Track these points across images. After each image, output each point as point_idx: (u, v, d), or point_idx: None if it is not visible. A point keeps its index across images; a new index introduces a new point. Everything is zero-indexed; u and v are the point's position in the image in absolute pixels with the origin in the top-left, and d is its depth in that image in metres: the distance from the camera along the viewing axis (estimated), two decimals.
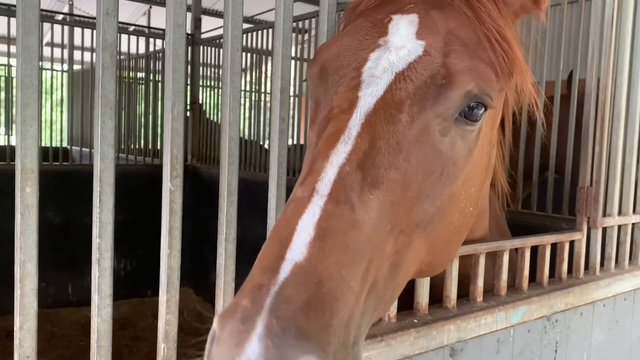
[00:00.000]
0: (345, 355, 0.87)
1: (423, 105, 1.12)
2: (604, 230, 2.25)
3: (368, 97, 1.10)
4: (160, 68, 7.20)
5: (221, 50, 7.22)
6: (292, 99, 6.18)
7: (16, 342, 1.03)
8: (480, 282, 1.78)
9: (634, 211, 2.38)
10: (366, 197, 0.99)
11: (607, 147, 2.16)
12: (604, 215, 2.20)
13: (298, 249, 0.89)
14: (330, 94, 1.18)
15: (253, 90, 6.85)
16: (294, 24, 6.12)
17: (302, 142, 5.99)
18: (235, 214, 1.28)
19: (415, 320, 1.59)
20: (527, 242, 1.92)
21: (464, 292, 1.77)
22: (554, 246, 2.08)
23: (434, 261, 1.30)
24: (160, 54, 7.20)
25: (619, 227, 2.33)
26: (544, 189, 3.30)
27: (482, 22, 1.24)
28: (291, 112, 6.13)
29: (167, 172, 1.16)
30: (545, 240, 2.01)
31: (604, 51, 2.10)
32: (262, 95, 6.60)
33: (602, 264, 2.27)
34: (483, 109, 1.20)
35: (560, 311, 1.98)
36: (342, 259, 0.91)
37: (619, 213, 2.29)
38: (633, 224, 2.40)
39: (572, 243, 2.15)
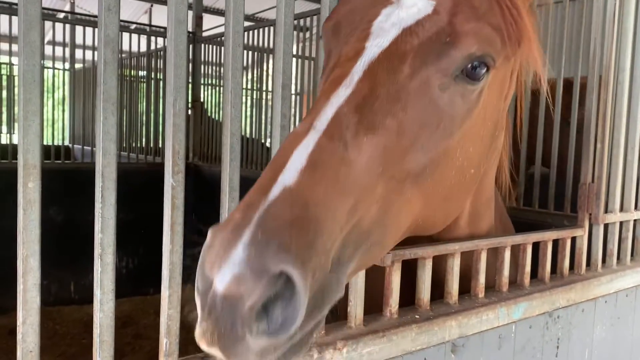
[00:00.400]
0: (325, 276, 0.93)
1: (425, 59, 1.17)
2: (606, 226, 2.25)
3: (374, 47, 1.16)
4: (161, 66, 7.20)
5: (222, 48, 7.21)
6: (293, 96, 6.18)
7: (19, 337, 1.04)
8: (481, 278, 1.78)
9: (635, 207, 2.38)
10: (360, 139, 1.05)
11: (609, 144, 2.16)
12: (606, 211, 2.20)
13: (289, 175, 0.96)
14: (341, 44, 1.23)
15: (254, 88, 6.84)
16: (295, 22, 6.11)
17: None
18: None
19: (417, 316, 1.59)
20: (528, 239, 1.92)
21: (467, 287, 1.78)
22: (555, 243, 2.08)
23: (431, 217, 1.33)
24: (162, 52, 7.21)
25: (621, 223, 2.33)
26: (545, 186, 3.30)
27: None
28: (292, 110, 6.13)
29: (169, 167, 1.16)
30: (547, 236, 2.01)
31: (605, 48, 2.10)
32: (264, 93, 6.60)
33: (603, 261, 2.27)
34: (485, 69, 1.24)
35: (562, 307, 1.98)
36: (329, 189, 0.97)
37: (621, 209, 2.29)
38: (635, 220, 2.40)
39: (573, 239, 2.15)
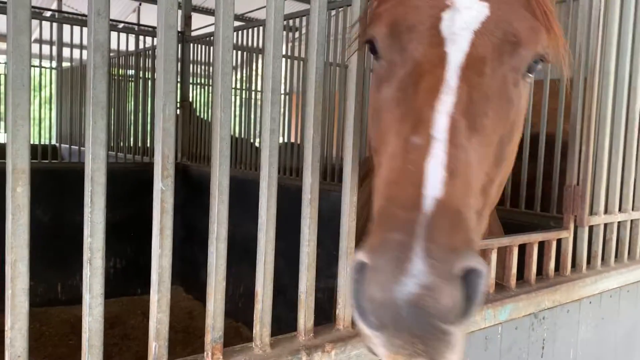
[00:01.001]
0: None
1: (502, 60, 1.26)
2: (591, 228, 2.28)
3: (456, 52, 1.21)
4: (150, 65, 7.16)
5: (211, 47, 7.16)
6: (282, 97, 6.17)
7: (7, 341, 1.03)
8: None
9: (619, 209, 2.42)
10: (472, 142, 1.14)
11: (594, 147, 2.19)
12: (591, 213, 2.23)
13: (434, 187, 1.02)
14: (410, 51, 1.26)
15: (243, 88, 6.82)
16: (284, 22, 6.10)
17: (292, 140, 5.98)
18: (226, 213, 1.29)
19: None
20: (515, 241, 1.95)
21: None
22: (541, 244, 2.11)
23: (496, 199, 1.43)
24: (150, 52, 7.17)
25: (605, 225, 2.36)
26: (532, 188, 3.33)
27: None
28: (282, 109, 6.13)
29: (159, 172, 1.16)
30: (533, 238, 2.03)
31: (590, 51, 2.13)
32: (253, 93, 6.59)
33: (588, 262, 2.31)
34: (541, 63, 1.36)
35: (547, 308, 2.00)
36: (467, 191, 1.07)
37: (605, 211, 2.32)
38: (619, 222, 2.43)
39: (559, 241, 2.18)
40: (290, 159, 5.68)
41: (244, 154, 6.04)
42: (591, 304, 2.21)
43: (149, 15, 12.50)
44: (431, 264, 0.91)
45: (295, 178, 5.29)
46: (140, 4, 12.90)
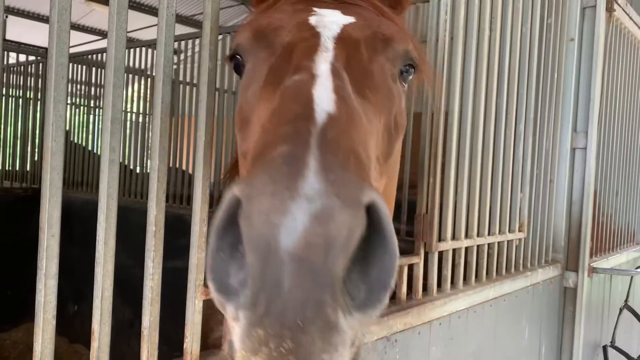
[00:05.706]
0: None
1: (375, 47, 1.24)
2: (440, 253, 2.45)
3: (327, 32, 1.17)
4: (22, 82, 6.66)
5: (78, 65, 6.79)
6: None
7: None
8: None
9: (466, 236, 2.63)
10: (358, 98, 1.06)
11: (440, 178, 2.37)
12: (439, 240, 2.40)
13: (326, 101, 0.89)
14: (279, 42, 1.19)
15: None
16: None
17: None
18: (57, 247, 1.22)
19: None
20: None
21: None
22: None
23: (387, 196, 1.42)
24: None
25: (454, 250, 2.55)
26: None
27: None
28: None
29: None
30: None
31: (435, 92, 2.32)
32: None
33: (439, 285, 2.47)
34: (412, 72, 1.38)
35: (399, 331, 2.10)
36: (357, 130, 0.94)
37: (453, 238, 2.51)
38: (465, 247, 2.64)
39: (410, 267, 2.31)
40: (174, 186, 5.52)
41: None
42: (441, 325, 2.36)
43: (13, 31, 11.76)
44: (328, 181, 0.65)
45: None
46: (6, 17, 11.96)
